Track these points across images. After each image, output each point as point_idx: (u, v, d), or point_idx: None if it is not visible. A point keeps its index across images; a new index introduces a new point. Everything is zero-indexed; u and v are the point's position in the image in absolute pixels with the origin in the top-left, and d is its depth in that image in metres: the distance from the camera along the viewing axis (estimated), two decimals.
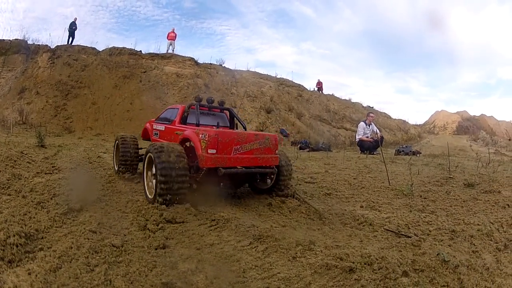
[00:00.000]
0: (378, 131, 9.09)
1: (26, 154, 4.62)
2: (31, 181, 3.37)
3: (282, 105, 13.33)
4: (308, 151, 10.11)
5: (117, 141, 4.09)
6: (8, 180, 3.27)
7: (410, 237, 2.26)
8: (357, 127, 9.69)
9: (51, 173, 3.86)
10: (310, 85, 15.63)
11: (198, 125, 3.22)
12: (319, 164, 6.09)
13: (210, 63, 13.26)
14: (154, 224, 2.33)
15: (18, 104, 12.99)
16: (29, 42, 14.67)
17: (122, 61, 12.69)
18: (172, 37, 13.32)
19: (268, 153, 3.04)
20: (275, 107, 13.00)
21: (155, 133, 3.88)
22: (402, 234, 2.36)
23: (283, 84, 14.16)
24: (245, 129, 3.64)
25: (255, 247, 2.07)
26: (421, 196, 3.49)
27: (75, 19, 13.95)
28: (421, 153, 8.91)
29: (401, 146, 10.02)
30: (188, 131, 3.01)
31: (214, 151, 2.69)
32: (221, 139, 2.71)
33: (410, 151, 8.45)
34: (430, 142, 18.21)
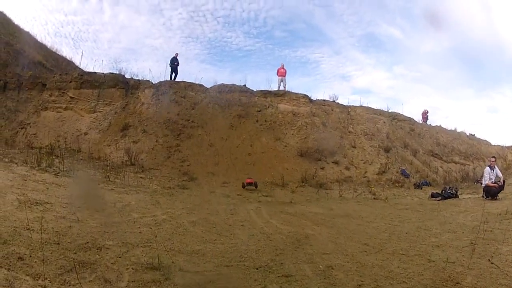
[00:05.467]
0: (500, 174, 9.02)
1: None
2: None
3: (398, 142, 12.44)
4: (440, 199, 9.40)
5: None
6: None
7: None
8: (483, 170, 9.51)
9: None
10: (406, 111, 14.79)
11: None
12: None
13: (324, 100, 12.55)
14: None
15: (123, 142, 12.52)
16: (127, 76, 14.51)
17: (234, 99, 12.22)
18: (282, 73, 12.74)
19: None
20: (392, 145, 12.15)
21: None
22: None
23: (395, 118, 13.29)
24: None
25: None
26: None
27: (176, 54, 13.64)
28: None
29: None
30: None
31: None
32: None
33: None
34: None
